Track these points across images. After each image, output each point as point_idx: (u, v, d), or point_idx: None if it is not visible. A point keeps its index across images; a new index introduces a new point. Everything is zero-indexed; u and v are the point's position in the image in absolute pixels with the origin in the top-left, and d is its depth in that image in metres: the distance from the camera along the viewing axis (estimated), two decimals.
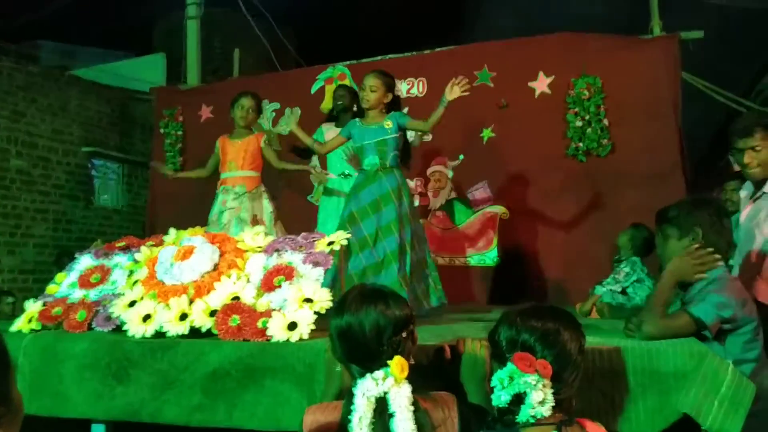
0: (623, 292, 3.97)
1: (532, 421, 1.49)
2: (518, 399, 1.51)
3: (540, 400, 1.49)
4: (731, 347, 2.14)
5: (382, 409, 1.59)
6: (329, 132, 4.68)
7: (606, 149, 5.24)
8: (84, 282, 2.91)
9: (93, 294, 2.83)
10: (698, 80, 5.45)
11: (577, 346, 1.62)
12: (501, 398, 1.52)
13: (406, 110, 4.28)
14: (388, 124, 3.71)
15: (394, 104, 3.82)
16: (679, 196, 4.71)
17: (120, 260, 2.94)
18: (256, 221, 4.25)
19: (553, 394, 1.52)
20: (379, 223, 3.56)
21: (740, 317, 2.14)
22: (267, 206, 4.38)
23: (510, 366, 1.53)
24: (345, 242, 2.73)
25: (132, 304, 2.63)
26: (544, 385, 1.50)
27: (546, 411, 1.49)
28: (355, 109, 4.63)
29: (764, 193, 2.87)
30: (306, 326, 2.32)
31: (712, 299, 2.13)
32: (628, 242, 4.09)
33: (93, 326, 2.69)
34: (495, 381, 1.55)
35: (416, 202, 4.27)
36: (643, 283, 3.94)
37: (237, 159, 4.34)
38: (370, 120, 3.77)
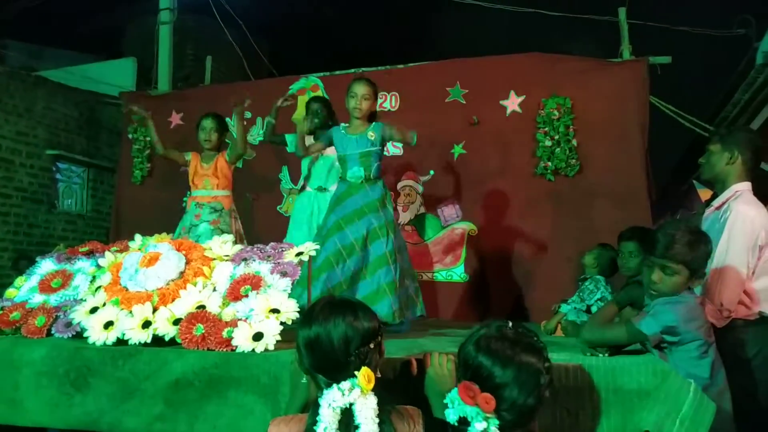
0: (588, 310, 3.99)
1: None
2: (466, 420, 1.54)
3: (482, 429, 1.51)
4: (678, 361, 2.21)
5: (347, 421, 1.58)
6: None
7: (574, 169, 5.32)
8: (44, 286, 2.84)
9: (53, 299, 2.77)
10: (665, 105, 5.57)
11: (540, 374, 1.63)
12: (450, 416, 1.57)
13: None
14: (372, 135, 3.66)
15: (375, 114, 3.78)
16: (643, 217, 4.84)
17: (83, 265, 2.88)
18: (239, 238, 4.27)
19: (511, 418, 1.56)
20: (367, 228, 3.50)
21: (684, 331, 2.22)
22: (239, 226, 4.42)
23: (456, 390, 1.58)
24: (314, 253, 2.71)
25: (94, 310, 2.58)
26: (485, 418, 1.52)
27: None
28: (331, 124, 4.62)
29: (711, 206, 2.97)
30: (272, 337, 2.29)
31: (657, 312, 2.25)
32: (594, 261, 4.13)
33: (52, 332, 2.62)
34: (447, 399, 1.58)
35: None
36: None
37: (211, 178, 4.37)
38: (354, 129, 3.70)
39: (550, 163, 5.35)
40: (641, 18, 5.80)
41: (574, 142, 5.33)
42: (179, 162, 4.64)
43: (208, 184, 4.37)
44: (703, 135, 5.58)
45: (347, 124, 3.77)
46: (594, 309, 3.96)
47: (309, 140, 4.67)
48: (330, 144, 3.82)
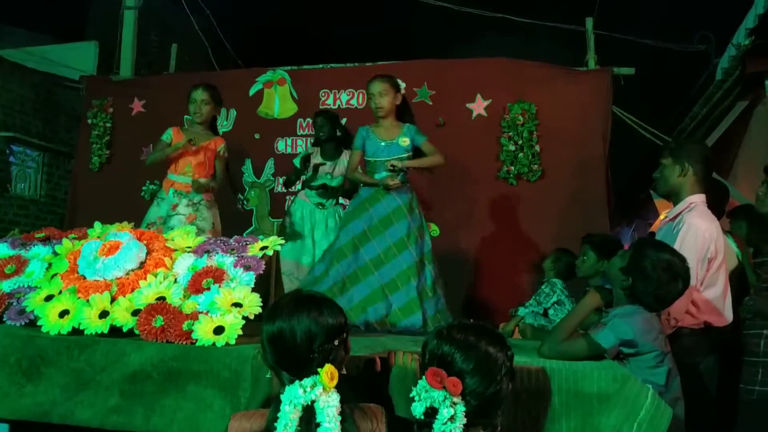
0: (545, 314, 4.05)
1: None
2: (433, 412, 1.54)
3: (449, 416, 1.52)
4: (635, 369, 2.26)
5: (309, 418, 1.57)
6: (316, 160, 4.51)
7: (536, 174, 5.40)
8: None
9: (6, 285, 2.68)
10: (626, 115, 5.69)
11: (502, 362, 1.65)
12: (416, 409, 1.56)
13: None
14: (404, 141, 3.55)
15: (405, 106, 3.67)
16: (602, 223, 4.96)
17: (38, 252, 2.80)
18: (215, 231, 4.01)
19: (474, 408, 1.56)
20: (392, 239, 3.39)
21: (641, 343, 2.27)
22: (217, 215, 4.15)
23: (423, 379, 1.57)
24: (279, 248, 2.69)
25: (49, 298, 2.51)
26: (453, 403, 1.53)
27: (457, 428, 1.52)
28: (338, 134, 4.56)
29: (667, 217, 3.06)
30: (233, 331, 2.26)
31: (614, 324, 2.29)
32: (552, 265, 4.20)
33: (4, 319, 2.55)
34: (413, 392, 1.58)
35: None
36: (563, 306, 4.04)
37: (195, 166, 4.00)
38: (384, 131, 3.57)
39: (512, 168, 5.42)
40: (607, 29, 5.92)
41: (537, 147, 5.41)
42: (167, 153, 4.02)
43: (190, 171, 3.96)
44: (660, 145, 5.72)
45: (375, 125, 3.62)
46: (551, 312, 4.03)
47: (316, 157, 4.57)
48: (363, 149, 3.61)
